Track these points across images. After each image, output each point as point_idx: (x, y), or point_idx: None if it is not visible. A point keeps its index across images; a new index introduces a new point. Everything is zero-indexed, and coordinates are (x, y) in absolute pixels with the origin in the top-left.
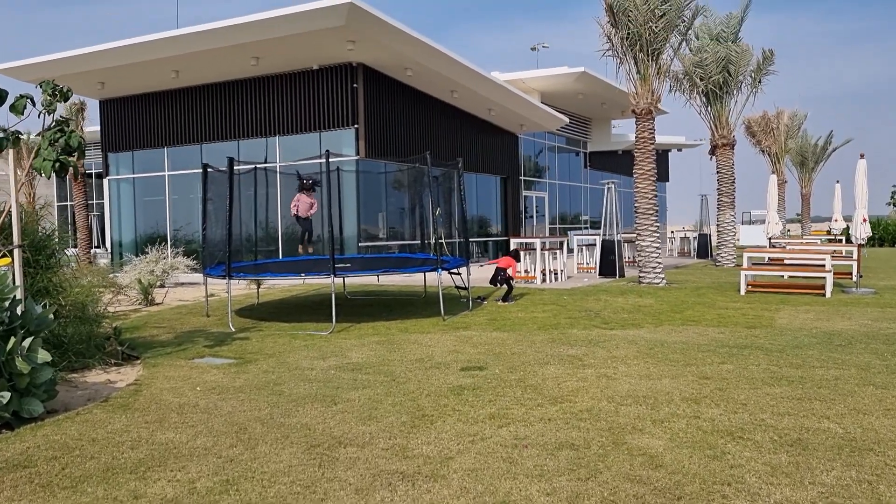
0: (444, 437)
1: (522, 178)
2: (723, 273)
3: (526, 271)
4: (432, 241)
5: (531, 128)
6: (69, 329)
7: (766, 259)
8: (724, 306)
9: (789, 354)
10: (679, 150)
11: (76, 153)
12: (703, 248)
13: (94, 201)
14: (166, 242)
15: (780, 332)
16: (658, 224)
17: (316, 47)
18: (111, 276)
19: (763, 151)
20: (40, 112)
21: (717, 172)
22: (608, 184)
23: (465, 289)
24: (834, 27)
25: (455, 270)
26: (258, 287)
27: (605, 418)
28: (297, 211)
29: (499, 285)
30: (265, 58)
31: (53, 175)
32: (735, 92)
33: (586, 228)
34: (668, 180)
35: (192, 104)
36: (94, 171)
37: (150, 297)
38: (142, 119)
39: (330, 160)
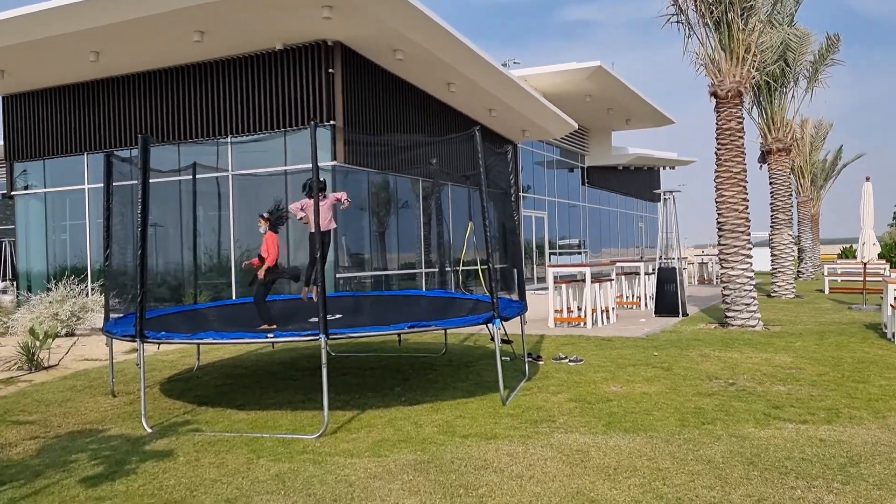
0: None
1: (522, 194)
2: (803, 308)
3: (569, 310)
4: (473, 268)
5: (534, 135)
6: None
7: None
8: None
9: None
10: (673, 167)
11: None
12: None
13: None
14: (86, 275)
15: None
16: (751, 245)
17: (281, 16)
18: (5, 320)
19: None
20: None
21: (771, 184)
22: (665, 193)
23: (510, 342)
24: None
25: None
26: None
27: None
28: (308, 221)
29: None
30: (212, 32)
31: None
32: (792, 85)
33: (585, 253)
34: (660, 200)
35: (119, 97)
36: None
37: (36, 358)
38: (55, 118)
39: (297, 165)
